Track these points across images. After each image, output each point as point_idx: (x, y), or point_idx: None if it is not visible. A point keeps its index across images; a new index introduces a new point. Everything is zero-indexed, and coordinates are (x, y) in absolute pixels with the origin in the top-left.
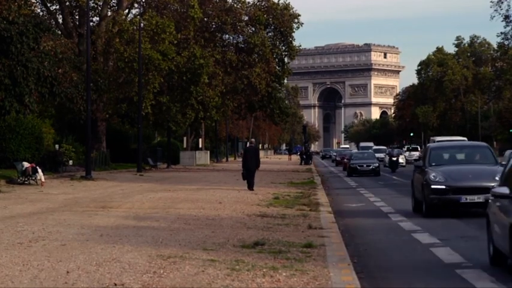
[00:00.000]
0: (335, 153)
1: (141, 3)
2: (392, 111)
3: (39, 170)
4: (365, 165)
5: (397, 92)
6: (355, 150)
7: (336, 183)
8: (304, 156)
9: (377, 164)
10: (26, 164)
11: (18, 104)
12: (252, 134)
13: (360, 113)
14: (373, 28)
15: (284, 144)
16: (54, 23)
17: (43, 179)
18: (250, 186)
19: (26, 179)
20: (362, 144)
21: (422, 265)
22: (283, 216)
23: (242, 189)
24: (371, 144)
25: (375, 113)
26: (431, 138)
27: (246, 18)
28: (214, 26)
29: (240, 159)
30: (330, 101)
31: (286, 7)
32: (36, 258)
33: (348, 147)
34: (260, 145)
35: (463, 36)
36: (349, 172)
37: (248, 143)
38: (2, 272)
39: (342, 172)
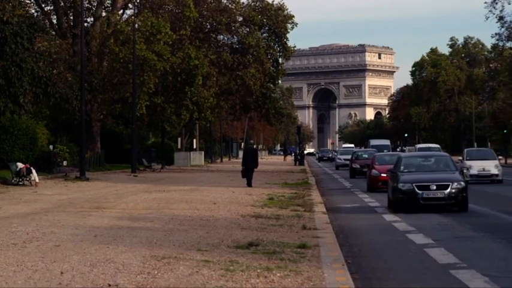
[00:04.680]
0: (344, 156)
1: (136, 3)
2: (387, 111)
3: (34, 171)
4: (434, 186)
5: (392, 92)
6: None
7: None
8: (299, 157)
9: (462, 184)
10: (20, 165)
11: (13, 105)
12: (247, 134)
13: (355, 113)
14: (367, 29)
15: (279, 145)
16: (48, 23)
17: (37, 180)
18: (249, 183)
19: (20, 179)
20: (374, 142)
21: (417, 266)
22: (277, 217)
23: (237, 189)
24: (387, 142)
25: (369, 114)
26: None
27: (241, 18)
28: (208, 27)
29: (235, 160)
30: (325, 101)
31: (281, 8)
32: (30, 259)
33: (352, 147)
34: (254, 146)
35: (457, 37)
36: (398, 201)
37: (243, 144)
38: None
39: (362, 191)
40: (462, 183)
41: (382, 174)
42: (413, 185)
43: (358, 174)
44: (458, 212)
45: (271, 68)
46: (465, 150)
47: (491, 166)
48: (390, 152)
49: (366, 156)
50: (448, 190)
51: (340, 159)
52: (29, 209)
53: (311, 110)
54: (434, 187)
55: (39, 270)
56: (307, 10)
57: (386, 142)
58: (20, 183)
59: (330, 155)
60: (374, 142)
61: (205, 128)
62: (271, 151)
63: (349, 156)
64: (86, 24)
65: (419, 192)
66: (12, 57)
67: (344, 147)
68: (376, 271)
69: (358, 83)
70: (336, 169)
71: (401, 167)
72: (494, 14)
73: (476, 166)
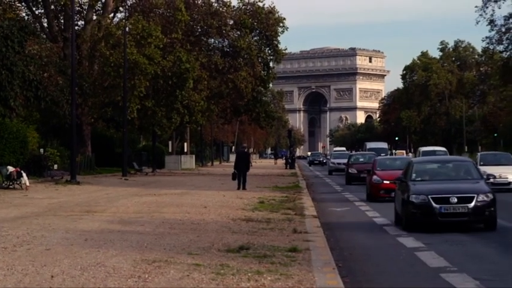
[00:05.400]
0: (338, 160)
1: (127, 7)
2: (378, 115)
3: (24, 174)
4: (455, 199)
5: (382, 96)
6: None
7: None
8: (290, 161)
9: (490, 197)
10: (10, 168)
11: (4, 108)
12: (237, 138)
13: (345, 117)
14: (358, 32)
15: (269, 149)
16: (39, 26)
17: (28, 183)
18: (241, 186)
19: (11, 183)
20: (370, 145)
21: (407, 269)
22: (268, 221)
23: (227, 193)
24: (384, 145)
25: (360, 117)
26: None
27: (232, 22)
28: (199, 30)
29: (226, 163)
30: (315, 105)
31: (271, 11)
32: (21, 262)
33: (343, 150)
34: (246, 150)
35: (448, 40)
36: (410, 218)
37: (234, 147)
38: None
39: (361, 200)
40: (490, 195)
41: (385, 181)
42: (429, 197)
43: (355, 181)
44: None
45: (262, 71)
46: (478, 154)
47: (508, 173)
48: (395, 156)
49: (364, 160)
50: (473, 204)
51: (333, 163)
52: (20, 212)
53: (302, 113)
54: (455, 200)
55: (29, 274)
56: (298, 14)
57: (384, 145)
58: (11, 186)
59: (321, 159)
60: (370, 145)
61: (196, 131)
62: (262, 155)
63: (343, 160)
64: (76, 27)
65: (437, 206)
66: (3, 61)
67: (336, 151)
68: (366, 275)
69: (348, 86)
70: (329, 174)
71: (413, 175)
72: (484, 18)
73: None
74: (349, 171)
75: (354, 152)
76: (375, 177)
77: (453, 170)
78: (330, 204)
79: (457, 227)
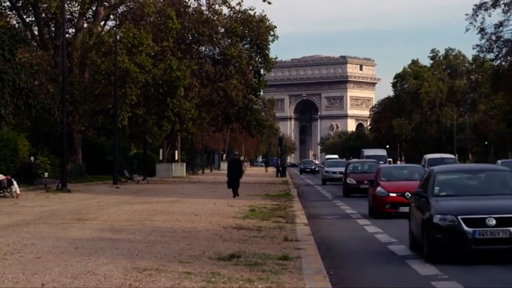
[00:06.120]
0: (333, 168)
1: (117, 15)
2: (368, 123)
3: (15, 182)
4: (493, 221)
5: (373, 104)
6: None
7: None
8: (281, 169)
9: None
10: (1, 176)
11: None
12: (228, 146)
13: (336, 125)
14: (349, 40)
15: (260, 157)
16: (29, 34)
17: (18, 191)
18: (235, 194)
19: (1, 191)
20: (368, 152)
21: (399, 277)
22: (259, 229)
23: (218, 201)
24: (383, 152)
25: (351, 125)
26: None
27: (223, 30)
28: (190, 38)
29: (217, 171)
30: (306, 113)
31: (262, 19)
32: (11, 271)
33: (336, 157)
34: (237, 157)
35: (438, 48)
36: (434, 244)
37: (225, 155)
38: None
39: (363, 217)
40: None
41: (391, 194)
42: (459, 218)
43: (353, 192)
44: None
45: (253, 79)
46: (499, 161)
47: None
48: (403, 164)
49: (364, 169)
50: None
51: (328, 172)
52: (10, 220)
53: (293, 121)
54: (494, 222)
55: (20, 282)
56: (289, 22)
57: (383, 152)
58: (1, 194)
59: (313, 167)
60: (368, 152)
61: (187, 139)
62: (253, 162)
63: (339, 169)
64: (67, 35)
65: (469, 230)
66: None
67: (329, 158)
68: (357, 282)
69: (339, 94)
70: (323, 184)
71: (435, 188)
72: (474, 26)
73: None
74: (347, 181)
75: (352, 160)
76: (379, 188)
77: (487, 181)
78: (328, 221)
79: (497, 256)
